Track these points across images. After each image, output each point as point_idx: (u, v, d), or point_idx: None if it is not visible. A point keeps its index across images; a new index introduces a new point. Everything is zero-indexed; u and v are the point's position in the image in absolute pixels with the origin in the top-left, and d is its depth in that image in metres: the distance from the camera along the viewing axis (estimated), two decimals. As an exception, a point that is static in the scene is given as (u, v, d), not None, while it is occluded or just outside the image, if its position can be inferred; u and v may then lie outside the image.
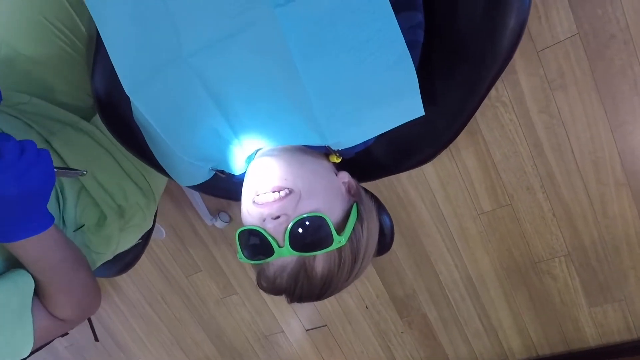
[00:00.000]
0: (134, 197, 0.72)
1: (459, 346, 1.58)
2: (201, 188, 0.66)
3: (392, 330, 1.65)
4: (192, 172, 0.62)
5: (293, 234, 0.48)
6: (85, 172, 0.56)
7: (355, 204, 0.55)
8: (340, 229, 0.51)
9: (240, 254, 0.53)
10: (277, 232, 0.49)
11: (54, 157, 0.63)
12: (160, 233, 1.76)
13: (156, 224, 1.75)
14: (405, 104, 0.49)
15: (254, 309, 1.86)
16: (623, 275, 1.32)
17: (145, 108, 0.54)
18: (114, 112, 0.63)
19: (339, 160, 0.57)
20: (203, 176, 0.63)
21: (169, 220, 1.77)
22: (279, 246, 0.49)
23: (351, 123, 0.50)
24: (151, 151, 0.63)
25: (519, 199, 1.30)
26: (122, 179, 0.71)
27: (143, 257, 1.98)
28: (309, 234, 0.49)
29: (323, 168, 0.56)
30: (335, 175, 0.57)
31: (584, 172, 1.23)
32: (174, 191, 1.68)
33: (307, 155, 0.55)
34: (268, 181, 0.51)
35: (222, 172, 0.61)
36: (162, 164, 0.64)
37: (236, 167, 0.61)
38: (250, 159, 0.58)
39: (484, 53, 0.51)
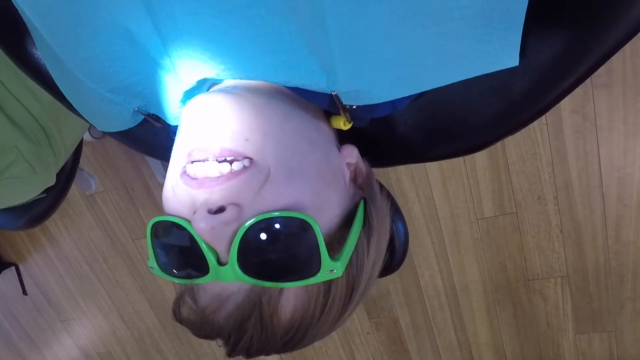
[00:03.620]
0: (8, 139, 0.49)
1: (427, 356, 1.45)
2: (126, 138, 0.42)
3: (357, 330, 1.50)
4: (109, 111, 0.37)
5: (247, 245, 0.27)
6: None
7: (362, 203, 0.33)
8: (334, 246, 0.29)
9: (152, 260, 0.31)
10: (216, 237, 0.27)
11: None
12: (88, 185, 1.47)
13: (83, 172, 1.47)
14: (490, 40, 0.25)
15: (207, 286, 1.66)
16: (620, 306, 1.19)
17: None
18: None
19: (348, 126, 0.34)
20: (125, 120, 0.38)
21: (119, 173, 1.51)
22: (219, 263, 0.28)
23: (390, 60, 0.27)
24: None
25: (526, 208, 1.14)
26: None
27: (85, 212, 1.73)
28: (278, 250, 0.27)
29: (318, 133, 0.32)
30: (337, 149, 0.34)
31: (607, 189, 1.07)
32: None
33: (292, 107, 0.31)
34: (213, 138, 0.28)
35: (155, 117, 0.37)
36: (63, 91, 0.39)
37: (170, 109, 0.35)
38: (189, 96, 0.33)
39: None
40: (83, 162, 1.54)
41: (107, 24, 0.29)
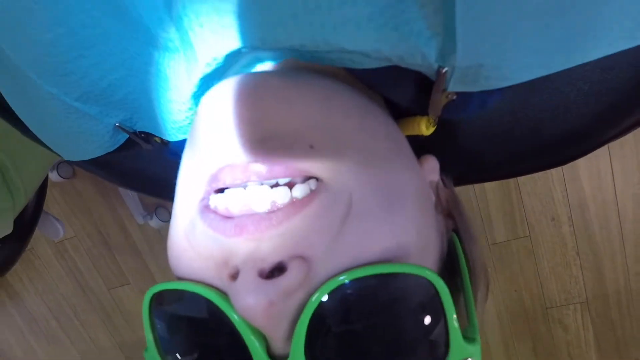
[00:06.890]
0: None
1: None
2: (97, 166, 0.31)
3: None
4: (78, 130, 0.26)
5: (322, 326, 0.16)
6: None
7: (456, 239, 0.24)
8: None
9: (151, 349, 0.19)
10: (274, 317, 0.16)
11: None
12: (55, 231, 1.28)
13: (49, 216, 1.29)
14: None
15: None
16: (645, 330, 1.12)
17: None
18: None
19: (430, 131, 0.24)
20: (100, 143, 0.27)
21: (93, 216, 1.37)
22: (271, 355, 0.17)
23: (534, 21, 0.17)
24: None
25: (540, 230, 1.07)
26: None
27: (53, 261, 1.56)
28: (377, 333, 0.17)
29: (402, 139, 0.22)
30: (416, 160, 0.23)
31: (622, 206, 1.02)
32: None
33: (366, 102, 0.21)
34: (254, 145, 0.17)
35: (144, 136, 0.26)
36: (13, 106, 0.27)
37: (174, 115, 0.23)
38: (209, 83, 0.21)
39: None
40: (49, 206, 1.40)
41: None
